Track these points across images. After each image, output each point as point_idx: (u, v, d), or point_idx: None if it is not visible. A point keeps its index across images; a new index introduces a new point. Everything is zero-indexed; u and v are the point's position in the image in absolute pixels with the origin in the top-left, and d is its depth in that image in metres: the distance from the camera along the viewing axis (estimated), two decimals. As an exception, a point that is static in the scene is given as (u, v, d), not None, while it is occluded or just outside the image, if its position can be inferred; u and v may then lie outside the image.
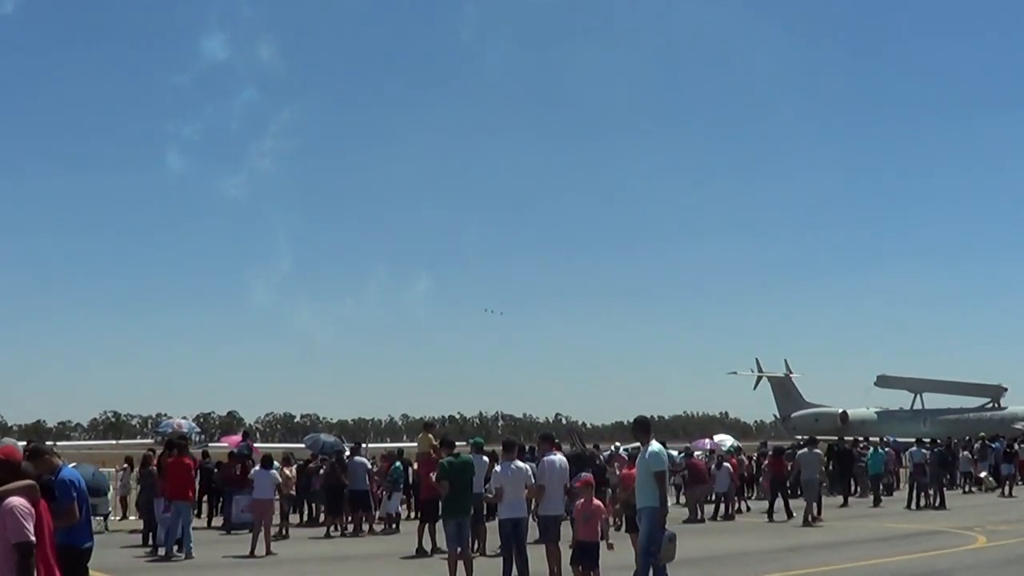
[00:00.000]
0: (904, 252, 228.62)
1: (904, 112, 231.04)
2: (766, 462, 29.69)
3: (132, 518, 24.90)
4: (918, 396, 70.07)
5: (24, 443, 12.28)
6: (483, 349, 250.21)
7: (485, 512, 17.01)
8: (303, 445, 31.95)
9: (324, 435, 31.54)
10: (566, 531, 13.03)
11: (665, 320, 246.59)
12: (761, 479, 29.66)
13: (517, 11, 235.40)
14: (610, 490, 20.08)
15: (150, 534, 18.95)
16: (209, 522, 23.86)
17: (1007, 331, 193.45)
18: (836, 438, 45.93)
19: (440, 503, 14.66)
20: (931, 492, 27.75)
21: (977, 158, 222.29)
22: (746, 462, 30.99)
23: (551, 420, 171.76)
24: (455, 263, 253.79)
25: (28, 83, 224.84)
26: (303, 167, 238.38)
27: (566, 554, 12.59)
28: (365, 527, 21.98)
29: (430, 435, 23.09)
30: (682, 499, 26.37)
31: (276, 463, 20.75)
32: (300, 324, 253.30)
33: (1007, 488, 31.86)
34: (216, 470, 24.61)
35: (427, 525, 17.87)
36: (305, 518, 24.74)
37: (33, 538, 6.34)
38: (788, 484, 25.84)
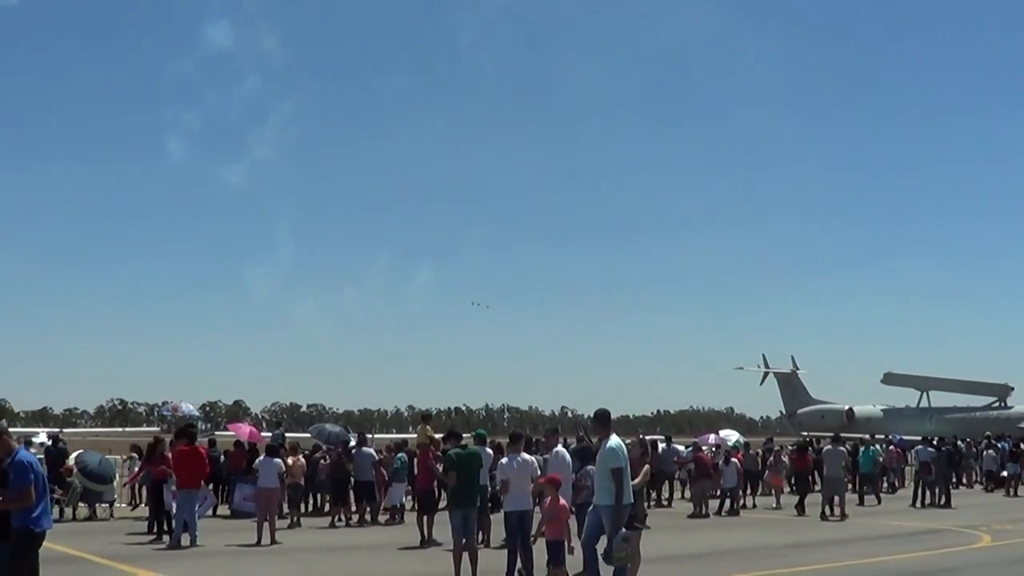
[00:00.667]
0: (912, 249, 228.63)
1: (916, 107, 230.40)
2: (771, 458, 29.69)
3: (142, 505, 24.92)
4: (924, 394, 70.01)
5: None
6: (489, 342, 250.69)
7: (490, 504, 17.00)
8: (308, 435, 31.91)
9: (329, 425, 31.47)
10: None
11: (672, 315, 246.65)
12: (766, 475, 29.60)
13: (515, 8, 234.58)
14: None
15: (155, 522, 18.99)
16: (215, 511, 23.87)
17: (1015, 330, 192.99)
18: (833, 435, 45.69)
19: (447, 494, 14.65)
20: (937, 491, 27.70)
21: (988, 155, 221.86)
22: (754, 456, 30.92)
23: (557, 413, 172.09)
24: (460, 254, 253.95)
25: (31, 71, 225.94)
26: (305, 157, 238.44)
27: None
28: (369, 517, 22.00)
29: (428, 426, 23.14)
30: (687, 494, 26.35)
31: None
32: (303, 314, 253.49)
33: (1012, 488, 31.81)
34: (223, 458, 24.64)
35: (424, 516, 17.87)
36: (310, 508, 24.76)
37: None
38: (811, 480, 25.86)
